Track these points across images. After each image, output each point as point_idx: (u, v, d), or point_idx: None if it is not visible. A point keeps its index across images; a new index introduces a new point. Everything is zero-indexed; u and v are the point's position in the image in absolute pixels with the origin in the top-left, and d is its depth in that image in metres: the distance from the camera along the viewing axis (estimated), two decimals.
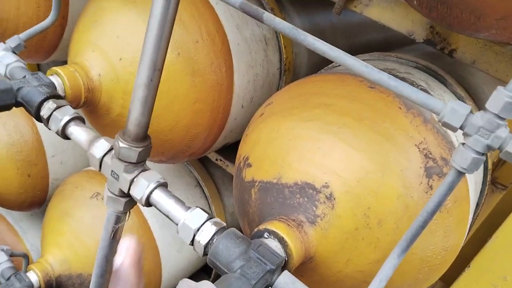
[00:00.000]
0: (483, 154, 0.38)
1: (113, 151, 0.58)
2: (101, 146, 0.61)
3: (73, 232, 0.99)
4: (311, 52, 1.04)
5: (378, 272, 0.44)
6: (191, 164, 1.18)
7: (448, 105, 0.39)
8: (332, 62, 0.85)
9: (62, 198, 1.05)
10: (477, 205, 0.70)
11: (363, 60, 0.80)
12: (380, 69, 0.70)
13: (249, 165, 0.63)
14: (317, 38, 0.48)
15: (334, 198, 0.52)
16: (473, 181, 0.61)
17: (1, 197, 1.19)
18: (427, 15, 0.54)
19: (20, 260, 1.13)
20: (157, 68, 0.53)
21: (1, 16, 0.98)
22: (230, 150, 1.04)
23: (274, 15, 0.94)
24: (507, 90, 0.36)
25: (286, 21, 1.00)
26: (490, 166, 0.70)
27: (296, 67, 0.99)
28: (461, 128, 0.38)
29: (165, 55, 0.54)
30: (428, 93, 0.64)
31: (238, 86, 0.82)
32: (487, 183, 0.69)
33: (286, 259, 0.49)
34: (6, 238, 1.37)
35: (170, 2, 0.49)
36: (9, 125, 1.15)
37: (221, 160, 1.05)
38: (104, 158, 0.59)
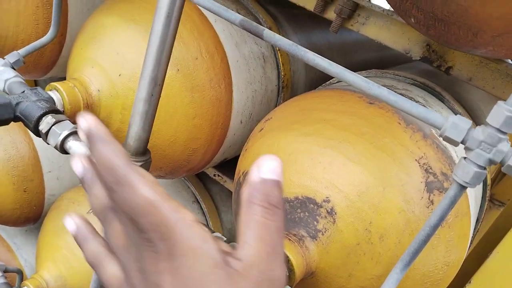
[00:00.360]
0: (485, 168, 0.38)
1: None
2: None
3: (69, 247, 0.98)
4: (309, 70, 1.05)
5: (381, 287, 0.43)
6: (188, 180, 1.18)
7: (449, 119, 0.39)
8: (329, 79, 0.87)
9: (58, 213, 1.04)
10: (477, 220, 0.70)
11: None
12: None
13: None
14: (316, 54, 0.49)
15: (336, 213, 0.52)
16: (473, 196, 0.61)
17: None
18: (425, 33, 0.55)
19: (14, 277, 1.12)
20: (158, 83, 0.53)
21: (0, 33, 0.99)
22: (228, 165, 1.04)
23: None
24: (507, 105, 0.37)
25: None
26: (489, 181, 0.70)
27: (294, 84, 1.00)
28: (462, 142, 0.39)
29: (166, 70, 0.54)
30: None
31: (237, 102, 0.82)
32: (487, 198, 0.69)
33: (287, 274, 0.48)
34: (0, 254, 1.36)
35: (172, 18, 0.50)
36: (6, 140, 1.15)
37: (219, 175, 1.05)
38: None
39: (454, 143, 0.39)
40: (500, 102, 0.37)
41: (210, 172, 1.06)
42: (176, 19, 0.51)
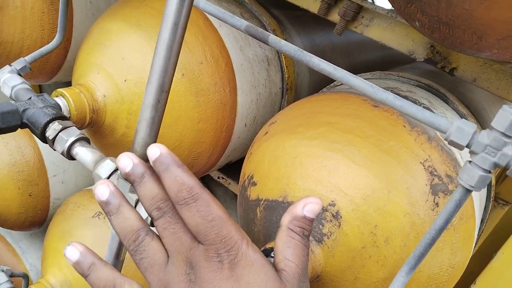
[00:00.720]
0: (490, 172, 0.38)
1: (118, 171, 0.59)
2: (107, 166, 0.61)
3: None
4: (312, 72, 1.06)
5: None
6: None
7: (454, 124, 0.39)
8: (333, 81, 0.87)
9: (64, 218, 1.04)
10: (482, 221, 0.70)
11: (365, 79, 0.82)
12: (383, 87, 0.71)
13: (254, 184, 0.63)
14: (322, 60, 0.49)
15: (341, 216, 0.53)
16: (478, 198, 0.62)
17: (1, 217, 1.18)
18: (429, 36, 0.55)
19: (19, 281, 1.12)
20: (165, 90, 0.54)
21: (6, 39, 1.00)
22: (232, 168, 1.04)
23: (276, 36, 0.96)
24: None
25: (287, 41, 1.02)
26: (493, 182, 0.70)
27: (298, 86, 1.00)
28: (467, 146, 0.39)
29: (173, 77, 0.54)
30: (431, 111, 0.65)
31: (241, 106, 0.82)
32: (491, 199, 0.69)
33: None
34: (5, 258, 1.36)
35: (179, 26, 0.50)
36: (11, 145, 1.16)
37: (223, 178, 1.06)
38: (110, 179, 0.59)
39: (459, 147, 0.39)
40: (505, 106, 0.37)
41: (214, 174, 1.06)
42: (183, 26, 0.51)
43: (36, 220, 1.23)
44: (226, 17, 0.59)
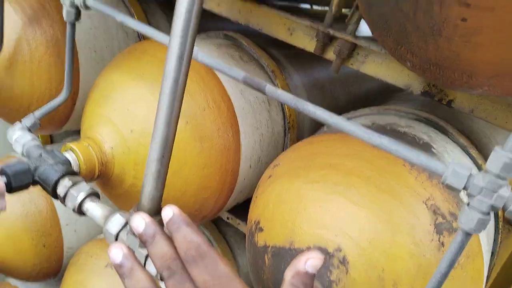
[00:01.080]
0: (488, 214, 0.39)
1: (128, 227, 0.60)
2: (116, 221, 0.62)
3: None
4: None
5: None
6: (203, 224, 1.19)
7: (449, 167, 0.40)
8: None
9: (77, 269, 1.05)
10: (492, 254, 0.69)
11: (363, 114, 0.83)
12: (381, 124, 0.73)
13: (261, 229, 0.64)
14: (317, 107, 0.51)
15: (348, 262, 0.53)
16: (485, 233, 0.61)
17: (17, 269, 1.19)
18: (421, 75, 0.57)
19: None
20: (169, 144, 0.56)
21: (16, 93, 1.03)
22: (240, 207, 1.05)
23: (275, 76, 0.98)
24: (504, 151, 0.38)
25: (286, 80, 1.04)
26: (500, 213, 0.70)
27: (300, 123, 1.01)
28: (464, 189, 0.40)
29: (176, 130, 0.56)
30: (431, 145, 0.66)
31: (245, 148, 0.84)
32: (500, 230, 0.69)
33: None
34: None
35: (178, 83, 0.52)
36: (24, 197, 1.17)
37: (232, 218, 1.06)
38: (120, 234, 0.61)
39: (456, 190, 0.40)
40: (497, 148, 0.38)
41: (224, 215, 1.07)
42: (183, 83, 0.53)
43: (51, 271, 1.23)
44: (225, 69, 0.61)
